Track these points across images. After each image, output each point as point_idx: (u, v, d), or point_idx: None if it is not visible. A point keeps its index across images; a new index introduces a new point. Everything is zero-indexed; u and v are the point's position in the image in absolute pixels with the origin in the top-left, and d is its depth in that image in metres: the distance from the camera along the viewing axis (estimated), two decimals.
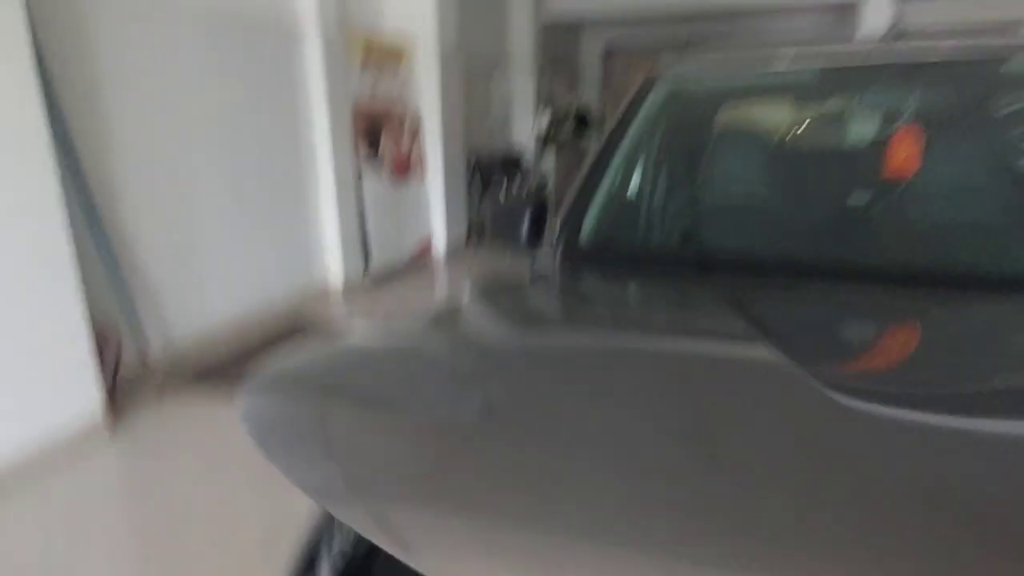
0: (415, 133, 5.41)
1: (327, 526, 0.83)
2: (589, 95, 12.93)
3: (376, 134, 4.92)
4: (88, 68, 2.80)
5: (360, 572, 0.79)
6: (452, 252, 5.95)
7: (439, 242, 5.87)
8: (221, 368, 3.40)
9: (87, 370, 2.56)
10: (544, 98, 9.38)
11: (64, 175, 2.50)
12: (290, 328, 4.02)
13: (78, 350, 2.52)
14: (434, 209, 5.77)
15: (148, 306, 3.20)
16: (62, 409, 2.48)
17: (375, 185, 4.98)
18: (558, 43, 10.75)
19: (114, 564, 1.98)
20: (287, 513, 2.20)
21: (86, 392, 2.57)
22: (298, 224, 4.39)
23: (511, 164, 8.34)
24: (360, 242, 4.85)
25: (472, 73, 6.41)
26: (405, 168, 5.31)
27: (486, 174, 7.31)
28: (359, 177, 4.79)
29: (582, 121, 12.23)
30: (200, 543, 2.04)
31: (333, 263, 4.68)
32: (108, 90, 2.89)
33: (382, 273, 5.11)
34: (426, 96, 5.42)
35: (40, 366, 2.39)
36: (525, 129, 8.89)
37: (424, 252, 5.70)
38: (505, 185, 7.51)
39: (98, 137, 2.87)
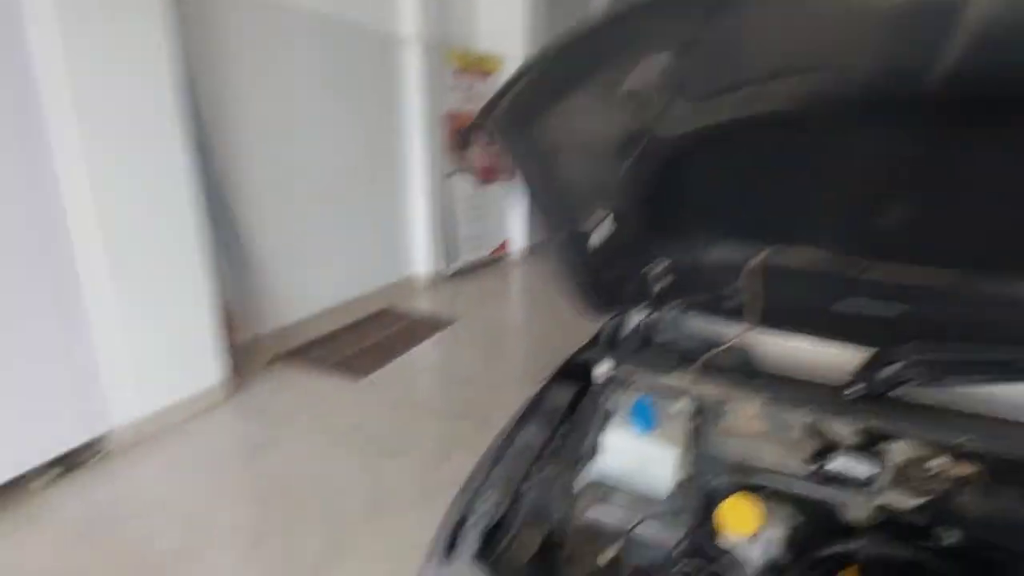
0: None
1: (472, 497, 0.97)
2: None
3: (466, 140, 5.22)
4: (221, 78, 3.21)
5: (502, 538, 0.91)
6: (528, 253, 6.18)
7: (516, 244, 6.12)
8: (322, 346, 3.77)
9: (214, 344, 2.96)
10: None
11: (202, 178, 2.89)
12: (380, 314, 4.37)
13: (208, 326, 2.92)
14: (515, 213, 6.03)
15: (263, 291, 3.60)
16: (193, 376, 2.89)
17: (463, 187, 5.29)
18: None
19: (234, 508, 2.32)
20: (386, 475, 2.48)
21: (213, 363, 2.97)
22: (392, 222, 4.75)
23: None
24: (446, 240, 5.16)
25: None
26: (491, 173, 5.60)
27: None
28: (448, 179, 5.12)
29: None
30: (306, 498, 2.34)
31: (421, 258, 5.03)
32: (235, 99, 3.31)
33: (464, 269, 5.41)
34: None
35: (178, 340, 2.79)
36: None
37: (501, 251, 5.96)
38: None
39: (228, 142, 3.29)
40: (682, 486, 1.08)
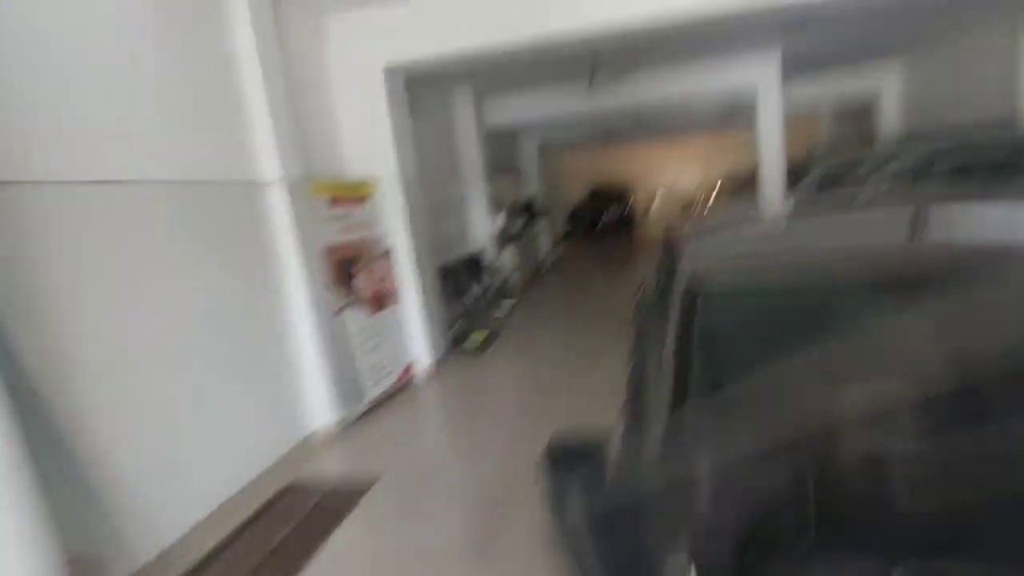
0: (388, 262, 5.35)
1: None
2: (531, 187, 13.47)
3: (351, 270, 4.82)
4: (33, 286, 2.60)
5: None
6: (436, 369, 5.76)
7: (423, 362, 5.69)
8: (217, 562, 3.02)
9: None
10: (495, 199, 9.65)
11: (23, 427, 2.21)
12: (284, 493, 3.68)
13: None
14: (414, 332, 5.64)
15: (126, 515, 2.84)
16: None
17: (355, 321, 4.82)
18: (500, 147, 11.25)
19: None
20: None
21: None
22: (279, 378, 4.14)
23: (474, 264, 8.41)
24: (345, 381, 4.61)
25: (431, 191, 6.51)
26: (383, 298, 5.20)
27: (454, 280, 7.32)
28: (339, 315, 4.63)
29: (531, 212, 12.62)
30: None
31: (320, 410, 4.42)
32: (62, 302, 2.69)
33: (371, 408, 4.86)
34: (395, 225, 5.43)
35: None
36: (482, 229, 9.03)
37: (406, 375, 5.49)
38: (474, 287, 7.52)
39: (58, 371, 2.63)
40: None
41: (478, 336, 6.62)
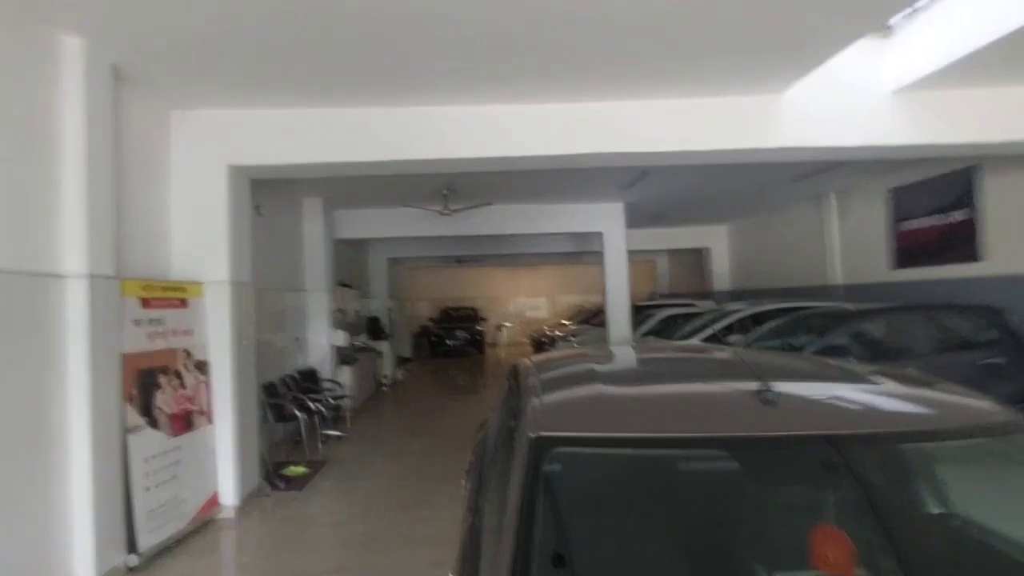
0: (201, 377, 4.71)
1: None
2: (379, 301, 13.24)
3: (153, 384, 4.15)
4: None
5: None
6: (246, 505, 4.97)
7: (229, 497, 4.88)
8: None
9: None
10: (339, 312, 9.27)
11: None
12: None
13: None
14: (222, 460, 4.87)
15: None
16: None
17: (150, 444, 4.07)
18: (348, 258, 11.06)
19: None
20: None
21: None
22: (35, 519, 3.26)
23: (308, 379, 7.78)
24: (124, 518, 3.78)
25: (268, 300, 6.06)
26: (187, 419, 4.50)
27: (281, 398, 6.64)
28: (133, 434, 3.88)
29: (376, 330, 12.28)
30: None
31: (85, 553, 3.51)
32: None
33: (157, 551, 3.98)
34: (217, 335, 4.87)
35: None
36: (321, 345, 8.52)
37: (209, 508, 4.66)
38: (306, 407, 6.85)
39: None
40: None
41: (297, 470, 5.94)
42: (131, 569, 3.82)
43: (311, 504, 5.18)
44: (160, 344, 4.26)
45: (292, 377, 7.40)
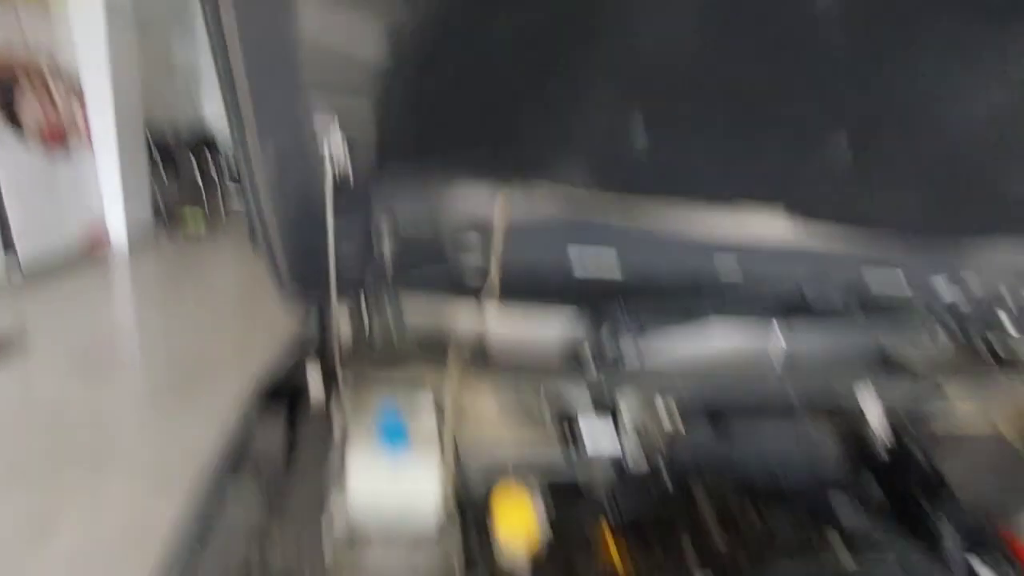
0: (73, 93, 4.28)
1: None
2: None
3: (9, 91, 3.75)
4: None
5: None
6: (136, 242, 4.92)
7: (116, 229, 4.79)
8: None
9: None
10: None
11: None
12: None
13: None
14: (105, 187, 4.66)
15: None
16: None
17: (15, 156, 3.81)
18: None
19: None
20: None
21: None
22: None
23: (203, 143, 7.23)
24: None
25: (149, 32, 5.34)
26: (60, 135, 4.18)
27: (170, 151, 6.20)
28: None
29: None
30: None
31: None
32: None
33: (38, 268, 3.95)
34: (88, 50, 4.31)
35: None
36: (218, 104, 7.77)
37: (97, 243, 4.59)
38: (196, 165, 6.47)
39: None
40: (449, 510, 0.90)
41: (195, 215, 5.76)
42: (13, 278, 3.81)
43: (209, 252, 5.19)
44: (15, 45, 3.77)
45: (184, 132, 6.83)
